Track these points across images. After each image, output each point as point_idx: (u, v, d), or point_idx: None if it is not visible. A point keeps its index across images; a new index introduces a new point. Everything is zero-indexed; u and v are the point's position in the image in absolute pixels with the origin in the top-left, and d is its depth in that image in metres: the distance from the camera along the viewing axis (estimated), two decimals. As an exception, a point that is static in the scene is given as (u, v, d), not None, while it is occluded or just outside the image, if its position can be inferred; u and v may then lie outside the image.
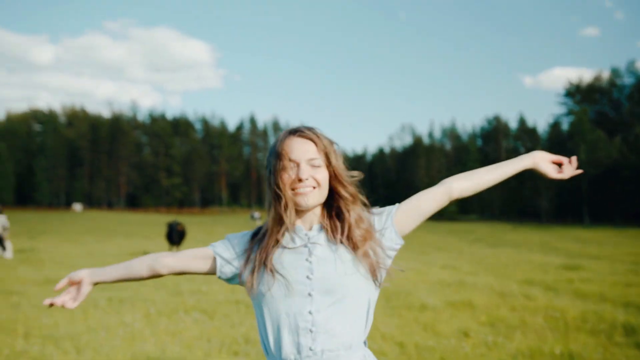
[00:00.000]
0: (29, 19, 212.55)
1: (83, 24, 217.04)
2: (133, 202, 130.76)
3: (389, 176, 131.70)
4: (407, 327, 7.81)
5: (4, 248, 18.71)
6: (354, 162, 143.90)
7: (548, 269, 16.52)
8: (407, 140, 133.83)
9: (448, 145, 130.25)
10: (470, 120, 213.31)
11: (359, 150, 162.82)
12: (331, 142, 2.19)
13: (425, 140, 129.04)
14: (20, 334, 7.25)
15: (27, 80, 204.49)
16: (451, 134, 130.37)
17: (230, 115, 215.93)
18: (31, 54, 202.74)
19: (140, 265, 2.22)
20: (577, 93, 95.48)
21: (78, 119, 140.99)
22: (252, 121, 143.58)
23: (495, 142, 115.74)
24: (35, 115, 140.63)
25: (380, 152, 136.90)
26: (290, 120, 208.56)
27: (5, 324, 7.84)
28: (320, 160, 2.12)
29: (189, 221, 63.23)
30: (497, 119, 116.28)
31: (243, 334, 7.41)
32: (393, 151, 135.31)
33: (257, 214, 53.40)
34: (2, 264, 16.01)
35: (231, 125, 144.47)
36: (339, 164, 2.19)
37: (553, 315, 8.72)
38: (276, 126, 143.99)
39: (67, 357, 6.18)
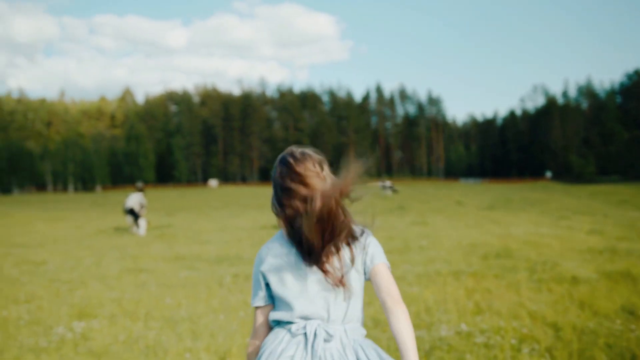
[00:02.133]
0: (162, 5, 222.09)
1: (212, 5, 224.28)
2: (266, 176, 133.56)
3: (521, 140, 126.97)
4: (560, 305, 6.87)
5: (137, 226, 19.09)
6: (484, 126, 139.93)
7: None
8: (540, 101, 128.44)
9: (584, 105, 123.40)
10: (608, 76, 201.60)
11: (489, 114, 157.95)
12: None
13: (560, 100, 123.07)
14: (140, 317, 6.96)
15: (163, 63, 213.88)
16: (587, 92, 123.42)
17: (357, 86, 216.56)
18: (166, 39, 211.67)
19: None
20: None
21: (211, 98, 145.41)
22: (379, 90, 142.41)
23: (637, 98, 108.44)
24: (171, 97, 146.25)
25: (512, 115, 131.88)
26: (417, 87, 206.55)
27: (128, 305, 7.61)
28: None
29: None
30: (637, 73, 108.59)
31: (371, 314, 6.77)
32: (525, 113, 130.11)
33: (388, 183, 51.91)
34: (138, 242, 16.24)
35: (358, 96, 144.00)
36: None
37: None
38: (403, 94, 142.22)
39: (182, 343, 5.77)
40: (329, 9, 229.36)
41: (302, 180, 2.19)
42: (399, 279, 9.02)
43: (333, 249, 2.15)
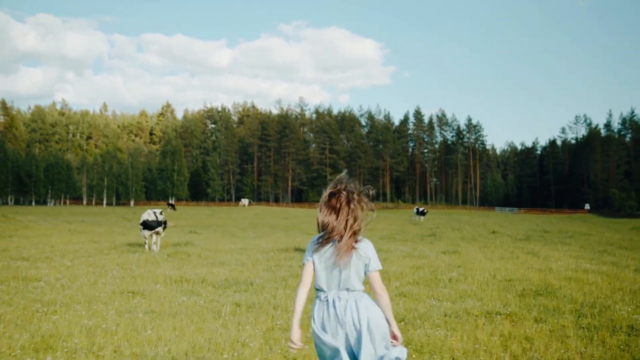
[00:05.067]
0: (209, 26, 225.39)
1: (258, 28, 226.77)
2: (299, 197, 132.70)
3: (561, 170, 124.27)
4: (617, 363, 5.60)
5: (154, 242, 18.24)
6: (523, 155, 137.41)
7: None
8: (582, 132, 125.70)
9: (628, 137, 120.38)
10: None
11: (528, 142, 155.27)
12: None
13: (602, 131, 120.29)
14: (107, 354, 5.85)
15: (207, 83, 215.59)
16: (631, 124, 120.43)
17: (397, 111, 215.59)
18: (211, 59, 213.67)
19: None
20: None
21: (249, 117, 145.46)
22: (418, 115, 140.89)
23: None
24: (210, 114, 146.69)
25: (552, 144, 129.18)
26: (457, 113, 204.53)
27: (100, 337, 6.51)
28: None
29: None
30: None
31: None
32: (566, 144, 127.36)
33: (421, 208, 50.61)
34: (147, 260, 15.22)
35: (397, 121, 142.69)
36: None
37: None
38: (442, 120, 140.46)
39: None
40: (373, 34, 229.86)
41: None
42: (423, 317, 7.86)
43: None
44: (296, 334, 3.72)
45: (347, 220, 3.71)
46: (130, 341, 6.37)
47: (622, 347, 6.28)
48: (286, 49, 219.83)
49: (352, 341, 3.67)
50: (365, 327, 3.65)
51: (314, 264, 3.80)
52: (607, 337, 6.68)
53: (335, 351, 3.66)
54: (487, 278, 12.05)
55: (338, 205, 3.73)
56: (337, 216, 3.72)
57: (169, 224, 18.64)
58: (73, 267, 13.19)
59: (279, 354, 6.00)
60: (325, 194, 3.82)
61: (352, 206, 3.73)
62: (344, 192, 3.76)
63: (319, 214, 3.78)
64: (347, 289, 3.76)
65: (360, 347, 3.61)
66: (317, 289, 3.85)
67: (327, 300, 3.76)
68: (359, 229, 3.77)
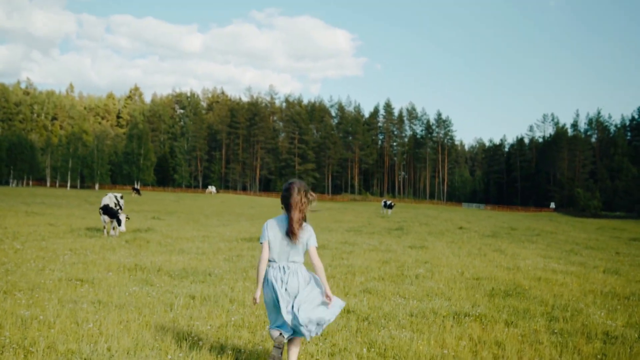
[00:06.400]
0: (180, 10, 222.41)
1: (230, 13, 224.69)
2: (267, 186, 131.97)
3: (527, 168, 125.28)
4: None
5: (113, 227, 17.60)
6: (491, 151, 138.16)
7: None
8: (549, 131, 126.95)
9: (594, 138, 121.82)
10: (619, 110, 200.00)
11: (496, 139, 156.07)
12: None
13: (569, 131, 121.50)
14: (38, 351, 5.29)
15: (177, 67, 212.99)
16: (597, 124, 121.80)
17: (368, 103, 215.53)
18: (181, 43, 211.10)
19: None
20: None
21: (218, 103, 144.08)
22: (388, 108, 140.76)
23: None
24: (179, 99, 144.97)
25: (520, 142, 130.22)
26: (427, 107, 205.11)
27: (35, 331, 5.94)
28: None
29: (318, 207, 61.61)
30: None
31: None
32: (533, 142, 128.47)
33: (389, 202, 50.33)
34: (104, 246, 14.58)
35: (367, 113, 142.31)
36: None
37: None
38: (412, 114, 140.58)
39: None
40: (346, 25, 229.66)
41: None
42: (388, 316, 7.42)
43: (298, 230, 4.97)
44: (259, 292, 5.05)
45: (298, 209, 4.95)
46: (68, 335, 5.82)
47: (598, 356, 5.90)
48: (258, 36, 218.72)
49: (293, 297, 4.91)
50: (304, 285, 4.99)
51: (269, 242, 5.01)
52: (583, 345, 6.29)
53: (277, 300, 4.92)
54: (455, 275, 11.67)
55: (291, 198, 4.98)
56: (292, 206, 4.96)
57: (122, 217, 17.67)
58: (22, 251, 12.53)
59: (230, 355, 5.50)
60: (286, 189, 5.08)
61: (301, 199, 5.00)
62: (295, 187, 5.03)
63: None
64: (293, 261, 5.02)
65: (297, 297, 4.91)
66: (269, 261, 5.04)
67: (280, 267, 5.00)
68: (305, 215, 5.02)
